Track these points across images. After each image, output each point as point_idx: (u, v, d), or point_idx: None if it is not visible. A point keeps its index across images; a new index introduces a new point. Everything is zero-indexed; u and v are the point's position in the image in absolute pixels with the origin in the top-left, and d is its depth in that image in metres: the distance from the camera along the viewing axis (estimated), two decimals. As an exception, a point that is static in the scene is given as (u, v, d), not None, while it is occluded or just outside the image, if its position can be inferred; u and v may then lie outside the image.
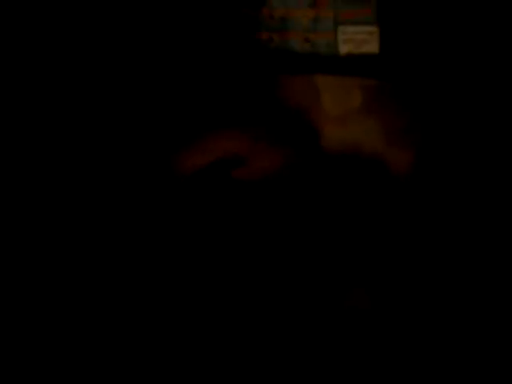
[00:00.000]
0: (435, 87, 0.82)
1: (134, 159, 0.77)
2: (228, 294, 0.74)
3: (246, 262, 0.74)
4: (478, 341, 0.79)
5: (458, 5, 0.82)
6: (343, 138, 0.77)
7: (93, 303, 0.74)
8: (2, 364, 0.71)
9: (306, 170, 0.76)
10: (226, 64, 0.80)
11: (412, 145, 0.80)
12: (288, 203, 0.75)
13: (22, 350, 0.72)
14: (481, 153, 0.82)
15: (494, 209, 0.81)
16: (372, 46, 0.82)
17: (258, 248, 0.74)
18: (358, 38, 0.82)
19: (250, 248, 0.74)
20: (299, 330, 0.72)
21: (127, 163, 0.77)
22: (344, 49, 0.82)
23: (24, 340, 0.73)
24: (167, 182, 0.76)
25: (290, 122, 0.78)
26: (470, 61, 0.83)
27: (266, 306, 0.74)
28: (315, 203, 0.76)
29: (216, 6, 0.81)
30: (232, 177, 0.76)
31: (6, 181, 0.74)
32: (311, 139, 0.77)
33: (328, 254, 0.74)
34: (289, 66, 0.81)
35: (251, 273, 0.74)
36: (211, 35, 0.80)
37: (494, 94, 0.83)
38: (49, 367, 0.72)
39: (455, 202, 0.81)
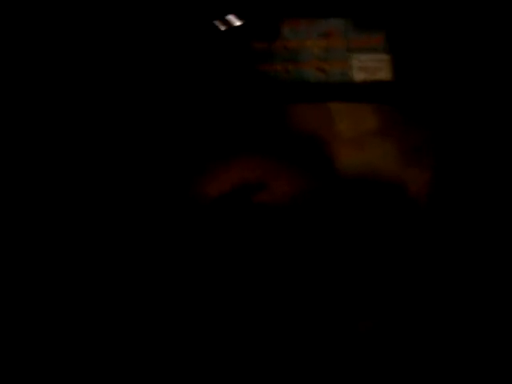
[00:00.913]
0: (448, 110, 0.84)
1: (155, 187, 0.79)
2: (242, 318, 0.75)
3: (265, 284, 0.75)
4: (479, 351, 0.79)
5: (467, 30, 0.84)
6: (359, 162, 0.79)
7: (93, 308, 0.75)
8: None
9: (325, 195, 0.77)
10: (245, 95, 0.82)
11: (428, 166, 0.81)
12: (307, 228, 0.76)
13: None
14: (496, 171, 0.83)
15: (510, 227, 0.82)
16: (385, 73, 0.84)
17: (277, 271, 0.75)
18: (372, 66, 0.84)
19: (269, 271, 0.75)
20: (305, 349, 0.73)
21: (148, 191, 0.79)
22: (359, 76, 0.83)
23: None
24: (188, 210, 0.77)
25: (308, 148, 0.79)
26: (482, 84, 0.84)
27: (277, 329, 0.74)
28: (334, 227, 0.77)
29: (231, 40, 0.83)
30: (252, 202, 0.77)
31: (8, 184, 0.75)
32: (328, 164, 0.78)
33: (345, 279, 0.75)
34: (304, 95, 0.82)
35: (271, 297, 0.75)
36: (227, 67, 0.82)
37: (507, 116, 0.85)
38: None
39: (473, 221, 0.82)
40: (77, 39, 0.79)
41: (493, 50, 0.83)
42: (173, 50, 0.82)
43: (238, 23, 0.83)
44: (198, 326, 0.76)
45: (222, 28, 0.83)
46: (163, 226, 0.78)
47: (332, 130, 0.80)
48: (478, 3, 0.83)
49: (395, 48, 0.84)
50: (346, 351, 0.73)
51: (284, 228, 0.76)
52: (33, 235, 0.76)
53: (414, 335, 0.76)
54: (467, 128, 0.83)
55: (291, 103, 0.82)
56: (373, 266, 0.77)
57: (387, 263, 0.77)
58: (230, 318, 0.76)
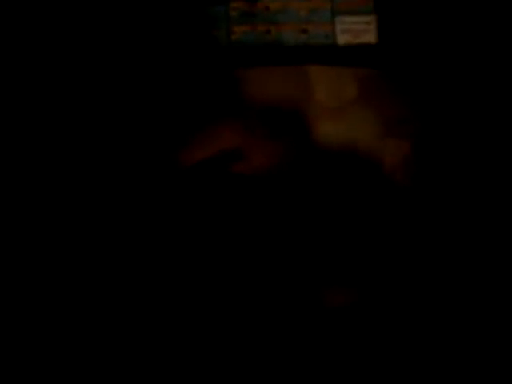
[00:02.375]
0: (432, 77, 0.82)
1: (135, 154, 0.78)
2: (222, 286, 0.75)
3: (240, 254, 0.75)
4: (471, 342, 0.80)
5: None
6: (338, 130, 0.77)
7: (90, 297, 0.76)
8: (2, 364, 0.73)
9: (302, 164, 0.76)
10: (223, 57, 0.80)
11: (408, 136, 0.80)
12: (284, 198, 0.76)
13: (23, 350, 0.74)
14: (478, 145, 0.82)
15: (491, 204, 0.81)
16: (370, 36, 0.82)
17: (252, 241, 0.75)
18: (356, 28, 0.82)
19: (245, 241, 0.75)
20: (285, 324, 0.74)
21: (128, 158, 0.78)
22: (342, 39, 0.82)
23: (24, 340, 0.74)
24: (168, 176, 0.77)
25: (286, 117, 0.78)
26: (468, 51, 0.82)
27: (257, 300, 0.75)
28: (311, 197, 0.76)
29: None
30: (230, 171, 0.76)
31: (7, 181, 0.75)
32: (307, 132, 0.77)
33: (322, 249, 0.75)
34: (285, 58, 0.81)
35: (245, 265, 0.75)
36: (203, 29, 0.80)
37: (492, 86, 0.83)
38: (49, 367, 0.74)
39: (452, 195, 0.81)
40: (72, 42, 0.78)
41: (480, 19, 0.80)
42: (148, 14, 0.80)
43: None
44: (175, 290, 0.77)
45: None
46: (143, 194, 0.77)
47: (311, 98, 0.79)
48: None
49: (382, 10, 0.82)
50: (316, 325, 0.74)
51: (260, 198, 0.76)
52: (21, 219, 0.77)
53: (388, 313, 0.77)
54: (451, 98, 0.81)
55: (271, 66, 0.80)
56: (349, 238, 0.76)
57: (363, 235, 0.77)
58: (207, 288, 0.76)
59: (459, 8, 0.81)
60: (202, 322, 0.74)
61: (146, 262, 0.77)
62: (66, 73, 0.78)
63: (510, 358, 0.78)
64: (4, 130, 0.76)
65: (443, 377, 0.77)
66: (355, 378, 0.73)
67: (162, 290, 0.76)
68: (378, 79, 0.79)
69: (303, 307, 0.73)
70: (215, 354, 0.74)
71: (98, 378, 0.76)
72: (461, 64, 0.81)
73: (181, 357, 0.75)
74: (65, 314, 0.76)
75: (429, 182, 0.79)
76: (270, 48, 0.80)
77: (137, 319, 0.77)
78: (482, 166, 0.80)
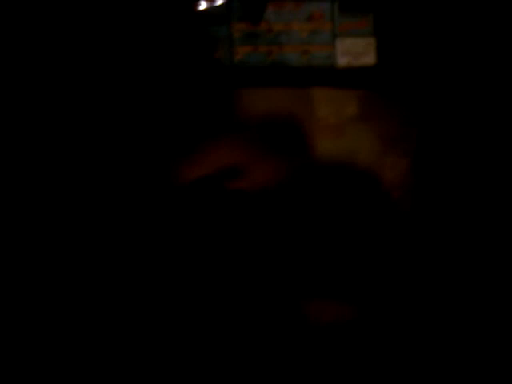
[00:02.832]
0: (430, 96, 0.83)
1: (137, 169, 0.80)
2: (216, 297, 0.76)
3: (237, 267, 0.77)
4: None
5: (452, 17, 0.83)
6: (338, 149, 0.79)
7: (86, 303, 0.77)
8: (2, 364, 0.74)
9: (302, 181, 0.78)
10: (225, 77, 0.82)
11: (406, 153, 0.81)
12: (283, 213, 0.77)
13: (23, 350, 0.75)
14: (475, 162, 0.83)
15: (488, 222, 0.82)
16: (369, 58, 0.84)
17: (249, 254, 0.76)
18: (356, 50, 0.84)
19: (242, 254, 0.77)
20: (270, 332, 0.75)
21: (130, 172, 0.80)
22: (342, 60, 0.83)
23: (24, 340, 0.75)
24: (168, 191, 0.79)
25: (287, 134, 0.80)
26: (463, 71, 0.84)
27: (250, 311, 0.76)
28: (310, 213, 0.78)
29: (213, 20, 0.83)
30: (229, 187, 0.78)
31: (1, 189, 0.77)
32: (306, 150, 0.79)
33: (319, 264, 0.76)
34: (287, 79, 0.82)
35: (241, 278, 0.76)
36: (207, 50, 0.82)
37: (488, 104, 0.84)
38: (49, 367, 0.75)
39: (449, 211, 0.82)
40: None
41: (478, 39, 0.82)
42: (152, 35, 0.82)
43: (220, 2, 0.83)
44: (166, 297, 0.78)
45: (205, 7, 0.83)
46: (143, 208, 0.79)
47: (312, 116, 0.80)
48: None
49: (381, 33, 0.84)
50: (303, 340, 0.75)
51: (260, 213, 0.77)
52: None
53: (379, 331, 0.77)
54: (449, 117, 0.82)
55: (273, 86, 0.82)
56: (347, 255, 0.78)
57: (361, 251, 0.78)
58: (199, 296, 0.77)
59: (455, 30, 0.83)
60: (190, 332, 0.76)
61: (140, 271, 0.78)
62: (70, 84, 0.80)
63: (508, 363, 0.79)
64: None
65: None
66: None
67: (154, 298, 0.78)
68: (377, 99, 0.81)
69: (295, 321, 0.74)
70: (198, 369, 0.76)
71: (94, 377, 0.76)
72: (457, 84, 0.83)
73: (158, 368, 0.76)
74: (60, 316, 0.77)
75: (426, 199, 0.80)
76: (272, 68, 0.82)
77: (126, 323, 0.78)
78: (479, 183, 0.82)
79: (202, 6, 0.83)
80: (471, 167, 0.82)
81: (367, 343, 0.76)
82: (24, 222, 0.76)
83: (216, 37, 0.83)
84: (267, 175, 0.78)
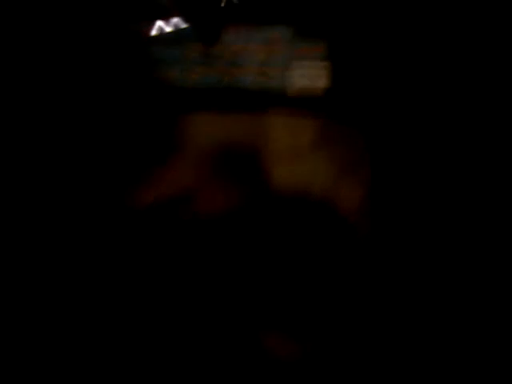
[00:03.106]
0: (386, 121, 0.84)
1: (89, 193, 0.79)
2: (162, 328, 0.75)
3: (185, 296, 0.76)
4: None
5: (405, 42, 0.84)
6: (292, 175, 0.79)
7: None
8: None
9: (255, 209, 0.77)
10: (181, 97, 0.81)
11: (363, 181, 0.81)
12: (235, 241, 0.77)
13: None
14: (435, 187, 0.83)
15: (451, 239, 0.82)
16: (324, 81, 0.83)
17: (199, 284, 0.75)
18: (312, 73, 0.83)
19: (191, 283, 0.76)
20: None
21: (82, 198, 0.78)
22: (298, 83, 0.83)
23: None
24: (118, 217, 0.77)
25: (241, 158, 0.79)
26: (421, 95, 0.84)
27: (199, 343, 0.75)
28: (263, 242, 0.77)
29: (171, 41, 0.82)
30: (182, 212, 0.77)
31: None
32: (261, 177, 0.78)
33: (271, 295, 0.76)
34: (243, 101, 0.82)
35: (189, 307, 0.75)
36: (162, 69, 0.81)
37: (447, 126, 0.85)
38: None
39: (409, 238, 0.82)
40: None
41: (431, 60, 0.82)
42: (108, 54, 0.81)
43: (181, 26, 0.82)
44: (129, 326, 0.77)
45: (165, 29, 0.82)
46: (97, 233, 0.77)
47: (266, 142, 0.80)
48: (412, 14, 0.83)
49: (335, 57, 0.84)
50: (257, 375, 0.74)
51: (211, 240, 0.76)
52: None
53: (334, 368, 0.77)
54: (404, 141, 0.83)
55: (229, 109, 0.81)
56: (301, 285, 0.77)
57: (316, 280, 0.78)
58: (153, 322, 0.76)
59: (412, 53, 0.83)
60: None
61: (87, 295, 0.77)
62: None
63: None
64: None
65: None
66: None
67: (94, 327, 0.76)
68: (333, 124, 0.81)
69: (245, 355, 0.74)
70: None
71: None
72: (414, 108, 0.83)
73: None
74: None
75: (385, 226, 0.80)
76: (227, 90, 0.81)
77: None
78: (441, 208, 0.82)
79: (155, 28, 0.81)
80: (428, 188, 0.82)
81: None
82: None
83: (170, 57, 0.82)
84: (221, 201, 0.78)
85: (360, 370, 0.77)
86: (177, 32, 0.82)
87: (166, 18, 0.82)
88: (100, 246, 0.77)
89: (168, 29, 0.82)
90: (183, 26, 0.82)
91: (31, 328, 0.76)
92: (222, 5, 0.81)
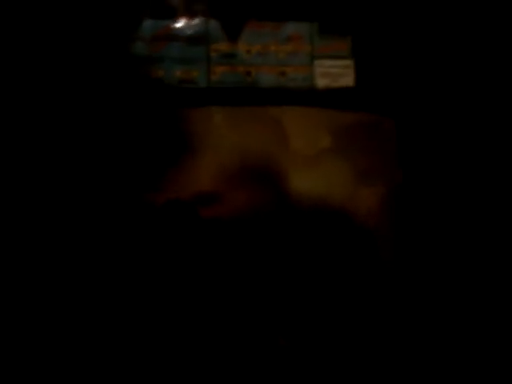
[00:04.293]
0: (408, 123, 0.82)
1: (108, 194, 0.78)
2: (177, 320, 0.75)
3: (198, 289, 0.76)
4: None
5: (428, 39, 0.82)
6: (313, 177, 0.78)
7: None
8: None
9: (275, 212, 0.77)
10: (196, 99, 0.81)
11: (382, 183, 0.80)
12: (254, 245, 0.76)
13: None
14: (453, 193, 0.82)
15: (471, 245, 0.81)
16: (348, 80, 0.82)
17: (212, 280, 0.75)
18: (335, 72, 0.82)
19: (204, 278, 0.76)
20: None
21: (100, 198, 0.78)
22: (321, 82, 0.82)
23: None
24: (141, 214, 0.77)
25: (262, 160, 0.78)
26: (444, 95, 0.82)
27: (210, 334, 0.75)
28: (282, 245, 0.77)
29: (189, 39, 0.82)
30: (200, 213, 0.77)
31: None
32: (279, 180, 0.77)
33: (293, 297, 0.75)
34: (262, 99, 0.81)
35: (201, 301, 0.75)
36: (178, 68, 0.81)
37: (470, 130, 0.83)
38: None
39: (429, 242, 0.81)
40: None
41: (458, 59, 0.81)
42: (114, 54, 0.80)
43: (197, 21, 0.81)
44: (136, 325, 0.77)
45: (183, 25, 0.81)
46: (115, 231, 0.77)
47: (288, 142, 0.79)
48: (437, 11, 0.81)
49: (360, 54, 0.82)
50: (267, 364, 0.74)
51: (230, 242, 0.76)
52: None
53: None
54: (431, 144, 0.81)
55: (249, 107, 0.80)
56: (322, 284, 0.77)
57: (337, 281, 0.77)
58: (164, 323, 0.76)
59: (435, 50, 0.81)
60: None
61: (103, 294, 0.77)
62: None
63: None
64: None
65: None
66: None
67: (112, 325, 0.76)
68: (355, 124, 0.80)
69: (255, 347, 0.73)
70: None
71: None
72: (438, 109, 0.81)
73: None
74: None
75: (404, 231, 0.79)
76: (249, 89, 0.81)
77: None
78: (458, 212, 0.81)
79: (180, 25, 0.81)
80: (451, 196, 0.81)
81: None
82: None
83: (193, 56, 0.82)
84: (240, 203, 0.77)
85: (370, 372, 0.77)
86: (199, 31, 0.81)
87: (187, 16, 0.82)
88: (112, 245, 0.77)
89: (190, 27, 0.81)
90: (205, 24, 0.81)
91: (33, 324, 0.76)
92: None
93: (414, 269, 0.79)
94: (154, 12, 0.81)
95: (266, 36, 0.82)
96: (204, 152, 0.79)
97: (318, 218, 0.76)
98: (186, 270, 0.76)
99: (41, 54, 0.78)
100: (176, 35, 0.82)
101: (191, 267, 0.76)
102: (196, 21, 0.82)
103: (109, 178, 0.78)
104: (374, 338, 0.77)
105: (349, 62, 0.82)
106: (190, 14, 0.82)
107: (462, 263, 0.80)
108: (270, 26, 0.83)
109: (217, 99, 0.81)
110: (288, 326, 0.75)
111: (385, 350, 0.77)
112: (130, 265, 0.76)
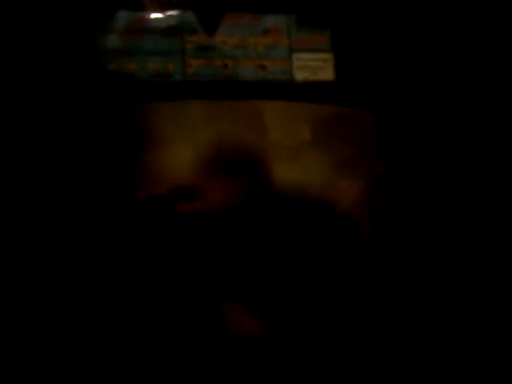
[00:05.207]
0: (388, 116, 0.81)
1: (88, 190, 0.76)
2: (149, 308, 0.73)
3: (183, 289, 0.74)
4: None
5: (408, 33, 0.81)
6: (293, 169, 0.76)
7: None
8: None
9: (257, 205, 0.75)
10: (178, 90, 0.79)
11: (363, 174, 0.79)
12: (236, 236, 0.75)
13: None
14: (432, 184, 0.81)
15: (452, 237, 0.80)
16: (327, 73, 0.81)
17: (192, 271, 0.74)
18: (314, 65, 0.81)
19: (189, 276, 0.74)
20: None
21: (81, 193, 0.76)
22: (300, 76, 0.80)
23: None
24: (121, 208, 0.75)
25: (242, 153, 0.76)
26: (425, 87, 0.82)
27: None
28: (263, 237, 0.75)
29: (164, 31, 0.80)
30: (179, 207, 0.75)
31: None
32: (259, 172, 0.76)
33: (276, 289, 0.74)
34: (241, 93, 0.79)
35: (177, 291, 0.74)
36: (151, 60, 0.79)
37: (452, 125, 0.82)
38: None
39: (409, 232, 0.80)
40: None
41: (438, 53, 0.80)
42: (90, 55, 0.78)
43: (173, 13, 0.79)
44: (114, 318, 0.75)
45: (157, 17, 0.79)
46: (92, 226, 0.75)
47: (267, 136, 0.77)
48: (418, 5, 0.80)
49: (339, 48, 0.81)
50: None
51: (209, 234, 0.74)
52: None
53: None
54: (411, 137, 0.80)
55: (226, 101, 0.78)
56: (303, 275, 0.75)
57: (319, 273, 0.76)
58: (139, 315, 0.74)
59: (415, 44, 0.81)
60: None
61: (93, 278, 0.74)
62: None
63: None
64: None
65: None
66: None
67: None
68: (335, 117, 0.78)
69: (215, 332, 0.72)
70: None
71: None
72: (418, 102, 0.81)
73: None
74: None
75: (385, 220, 0.78)
76: (227, 82, 0.79)
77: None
78: (440, 201, 0.80)
79: (155, 17, 0.78)
80: (432, 185, 0.80)
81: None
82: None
83: (168, 48, 0.79)
84: (220, 197, 0.75)
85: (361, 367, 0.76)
86: (175, 22, 0.79)
87: (164, 8, 0.80)
88: (95, 240, 0.75)
89: (166, 19, 0.79)
90: (182, 15, 0.80)
91: (33, 323, 0.74)
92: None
93: (397, 258, 0.78)
94: (128, 3, 0.79)
95: (244, 28, 0.80)
96: (181, 146, 0.77)
97: (300, 210, 0.75)
98: (166, 263, 0.74)
99: (6, 46, 0.75)
100: (150, 27, 0.79)
101: (172, 261, 0.74)
102: (171, 12, 0.79)
103: (82, 174, 0.75)
104: (357, 328, 0.76)
105: (328, 56, 0.81)
106: (166, 6, 0.80)
107: (445, 252, 0.79)
108: (248, 18, 0.81)
109: (193, 93, 0.79)
110: (272, 318, 0.73)
111: (367, 338, 0.76)
112: (108, 260, 0.74)
